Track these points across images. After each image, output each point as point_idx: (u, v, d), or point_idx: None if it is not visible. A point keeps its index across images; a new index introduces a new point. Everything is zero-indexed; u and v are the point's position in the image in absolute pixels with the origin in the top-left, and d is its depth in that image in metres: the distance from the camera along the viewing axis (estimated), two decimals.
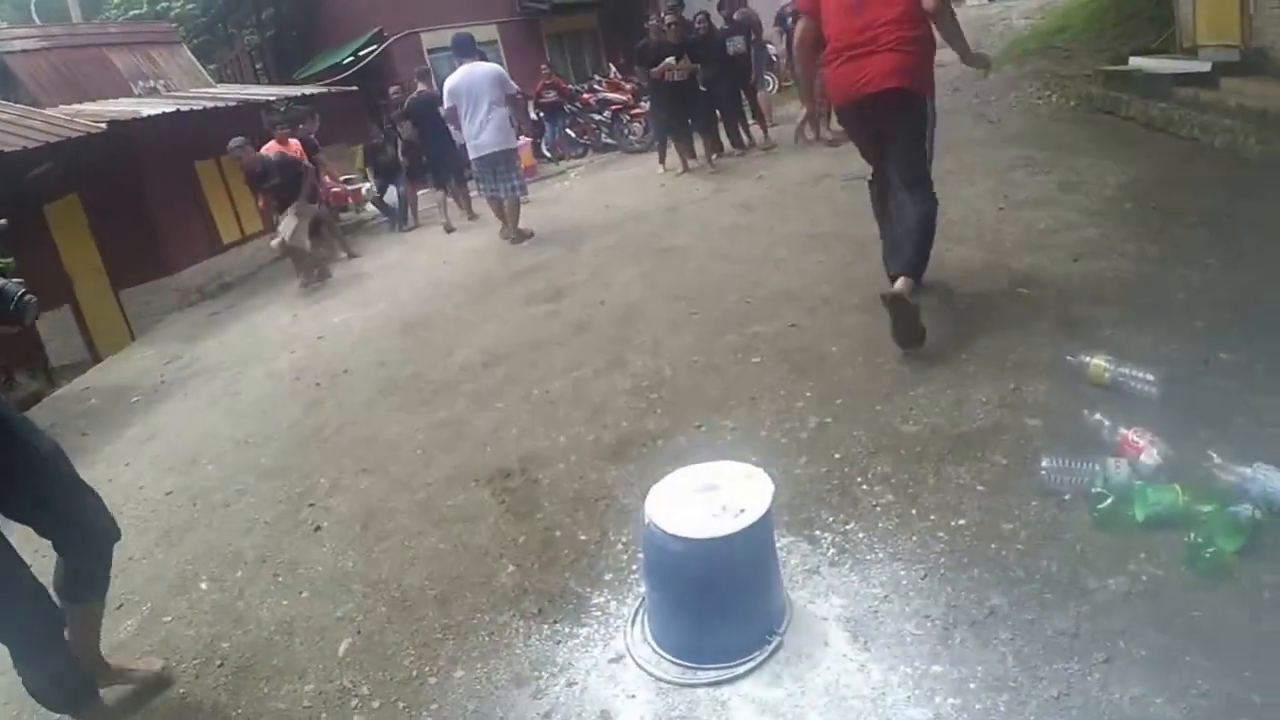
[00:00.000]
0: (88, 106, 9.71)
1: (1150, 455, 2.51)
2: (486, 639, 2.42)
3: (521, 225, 7.85)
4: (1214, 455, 2.47)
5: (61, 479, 2.31)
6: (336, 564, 3.02)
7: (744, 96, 10.06)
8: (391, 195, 10.63)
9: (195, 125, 9.74)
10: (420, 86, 9.69)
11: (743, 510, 2.04)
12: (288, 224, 8.06)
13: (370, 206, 11.60)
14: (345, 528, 3.26)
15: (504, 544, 2.89)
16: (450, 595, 2.67)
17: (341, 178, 11.63)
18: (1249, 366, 3.05)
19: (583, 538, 2.83)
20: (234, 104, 10.75)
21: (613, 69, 16.14)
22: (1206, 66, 7.70)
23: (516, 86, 12.43)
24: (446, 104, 7.56)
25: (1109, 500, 2.36)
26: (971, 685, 1.92)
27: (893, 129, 3.82)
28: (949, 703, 1.89)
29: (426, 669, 2.36)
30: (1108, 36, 11.98)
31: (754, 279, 5.11)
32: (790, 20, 8.98)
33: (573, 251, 7.00)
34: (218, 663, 2.64)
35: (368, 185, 10.93)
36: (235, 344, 6.70)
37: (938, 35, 3.83)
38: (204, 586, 3.11)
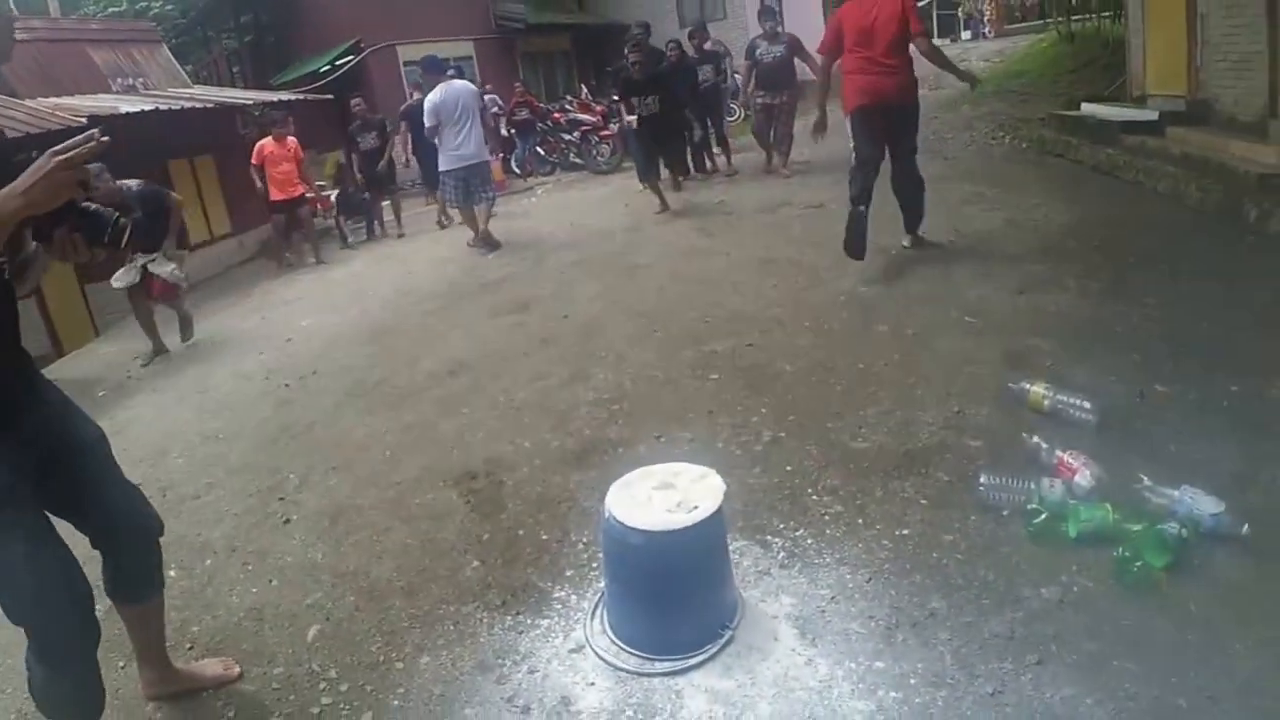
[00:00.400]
0: (66, 100, 9.59)
1: (1084, 477, 2.68)
2: (452, 628, 2.50)
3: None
4: (1144, 478, 2.64)
5: (105, 470, 2.12)
6: (306, 555, 3.06)
7: (710, 124, 10.27)
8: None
9: (171, 125, 9.69)
10: (416, 95, 9.76)
11: (696, 507, 2.16)
12: (139, 271, 6.22)
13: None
14: (314, 521, 3.30)
15: (469, 541, 2.97)
16: (417, 587, 2.74)
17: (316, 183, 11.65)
18: (1181, 399, 3.25)
19: (545, 537, 2.92)
20: (211, 106, 10.71)
21: (584, 90, 16.30)
22: (1154, 115, 8.06)
23: (500, 102, 12.62)
24: (429, 121, 7.71)
25: (1043, 516, 2.51)
26: (912, 681, 2.05)
27: (903, 124, 5.42)
28: (891, 696, 2.01)
29: (394, 655, 2.42)
30: (1063, 82, 12.43)
31: (712, 299, 5.25)
32: (757, 54, 9.27)
33: (538, 266, 7.09)
34: (187, 645, 2.65)
35: (334, 193, 10.92)
36: (202, 343, 6.66)
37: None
38: (173, 573, 3.09)
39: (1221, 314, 4.02)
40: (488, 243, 8.04)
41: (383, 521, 3.20)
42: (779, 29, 9.47)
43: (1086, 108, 9.54)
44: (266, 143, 9.20)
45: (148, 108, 9.25)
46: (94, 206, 1.66)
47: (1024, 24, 27.20)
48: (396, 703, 2.23)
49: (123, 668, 2.54)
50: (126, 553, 2.17)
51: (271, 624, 2.70)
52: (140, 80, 12.05)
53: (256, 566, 3.06)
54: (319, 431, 4.23)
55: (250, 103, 11.37)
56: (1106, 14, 13.40)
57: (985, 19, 31.01)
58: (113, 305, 8.63)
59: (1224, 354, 3.56)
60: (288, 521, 3.35)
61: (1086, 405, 3.14)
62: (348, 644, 2.51)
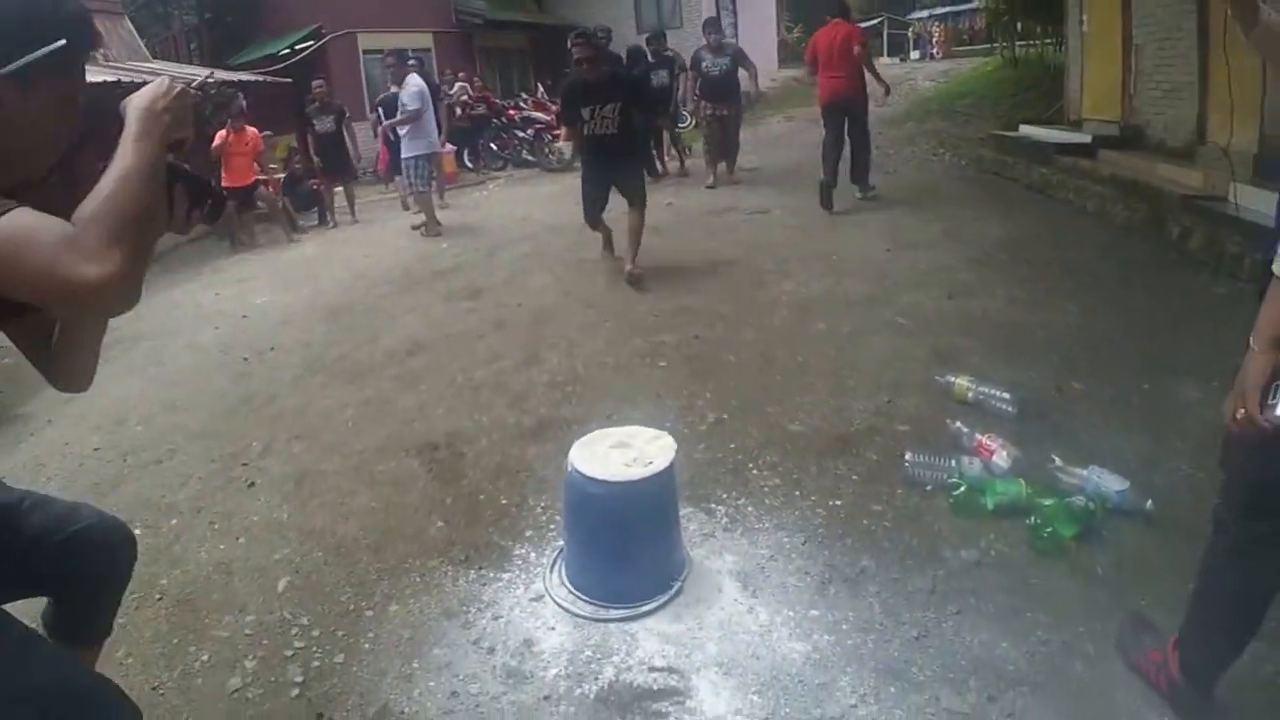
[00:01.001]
0: None
1: (1002, 457, 2.94)
2: (418, 580, 2.64)
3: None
4: (1056, 459, 2.93)
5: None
6: (272, 515, 3.16)
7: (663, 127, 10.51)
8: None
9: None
10: (393, 88, 9.71)
11: (651, 462, 2.37)
12: None
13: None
14: (279, 485, 3.39)
15: (432, 504, 3.11)
16: (383, 544, 2.86)
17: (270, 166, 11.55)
18: (1095, 395, 3.56)
19: (504, 502, 3.08)
20: None
21: (540, 89, 16.39)
22: (1087, 138, 8.51)
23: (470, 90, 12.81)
24: (416, 105, 8.34)
25: (963, 489, 2.77)
26: (844, 626, 2.27)
27: (853, 111, 7.73)
28: (825, 639, 2.23)
29: (363, 604, 2.55)
30: (1004, 105, 12.95)
31: (661, 293, 5.46)
32: (703, 65, 9.43)
33: (491, 257, 7.21)
34: (157, 596, 2.72)
35: (283, 176, 10.83)
36: (154, 317, 6.60)
37: None
38: (138, 532, 3.11)
39: (1139, 322, 4.36)
40: (433, 228, 8.51)
41: (347, 485, 3.32)
42: (724, 40, 9.68)
43: (1024, 129, 10.02)
44: (224, 133, 9.10)
45: (110, 79, 9.08)
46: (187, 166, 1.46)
47: (971, 47, 27.69)
48: (367, 645, 2.36)
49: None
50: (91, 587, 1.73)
51: (241, 577, 2.79)
52: (101, 51, 11.80)
53: (223, 526, 3.14)
54: (280, 403, 4.30)
55: (211, 80, 11.21)
56: (1049, 41, 13.98)
57: (934, 40, 31.82)
58: None
59: (1139, 357, 3.89)
60: (252, 485, 3.42)
61: (1007, 396, 3.42)
62: (318, 594, 2.62)
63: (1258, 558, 1.67)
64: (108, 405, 4.60)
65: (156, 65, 11.62)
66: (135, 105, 1.28)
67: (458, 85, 13.94)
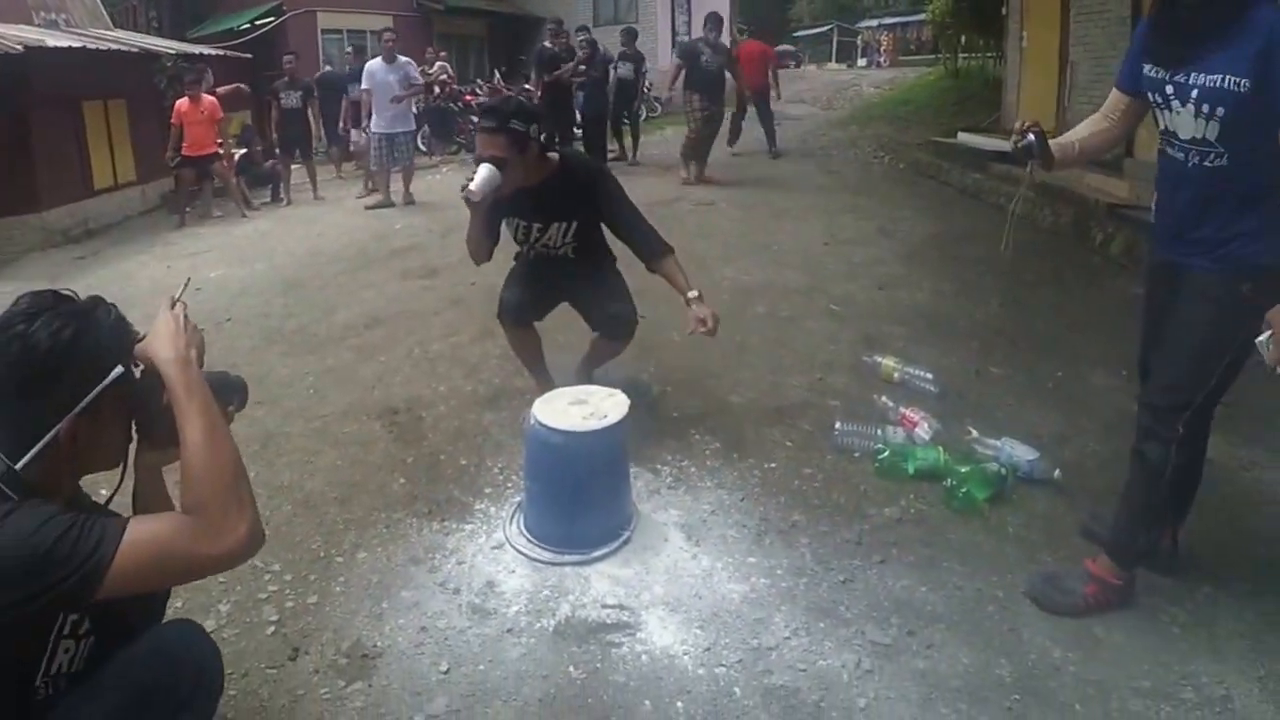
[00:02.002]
0: None
1: (923, 429, 3.20)
2: (385, 530, 2.76)
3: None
4: (973, 431, 3.19)
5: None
6: None
7: (625, 115, 10.78)
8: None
9: (89, 64, 9.36)
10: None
11: (606, 416, 2.55)
12: None
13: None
14: (244, 445, 3.30)
15: (395, 463, 3.22)
16: (350, 498, 2.98)
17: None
18: (1012, 379, 3.85)
19: (463, 462, 3.21)
20: (135, 51, 10.33)
21: (497, 75, 16.41)
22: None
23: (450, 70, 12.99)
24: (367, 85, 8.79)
25: (887, 454, 3.00)
26: (778, 571, 2.48)
27: (761, 103, 10.47)
28: (761, 582, 2.43)
29: (333, 551, 2.66)
30: (945, 113, 13.40)
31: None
32: (702, 60, 9.27)
33: (445, 237, 7.22)
34: None
35: (240, 153, 10.73)
36: (106, 288, 6.44)
37: None
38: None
39: (1057, 316, 4.68)
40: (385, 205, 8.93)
41: (312, 446, 3.41)
42: (720, 40, 9.72)
43: (962, 136, 10.41)
44: (183, 103, 9.04)
45: (75, 45, 8.93)
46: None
47: (917, 56, 28.37)
48: (339, 589, 2.47)
49: None
50: None
51: None
52: (63, 16, 11.48)
53: None
54: (240, 369, 4.30)
55: (172, 52, 11.03)
56: (990, 54, 14.49)
57: (881, 49, 32.47)
58: (9, 244, 8.34)
59: (1054, 347, 4.20)
60: None
61: (929, 377, 3.69)
62: (288, 544, 2.71)
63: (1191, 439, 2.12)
64: None
65: (120, 34, 11.36)
66: (165, 360, 1.35)
67: (437, 65, 13.88)
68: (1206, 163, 2.00)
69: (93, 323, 1.33)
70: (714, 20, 9.70)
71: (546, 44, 10.51)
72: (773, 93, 11.37)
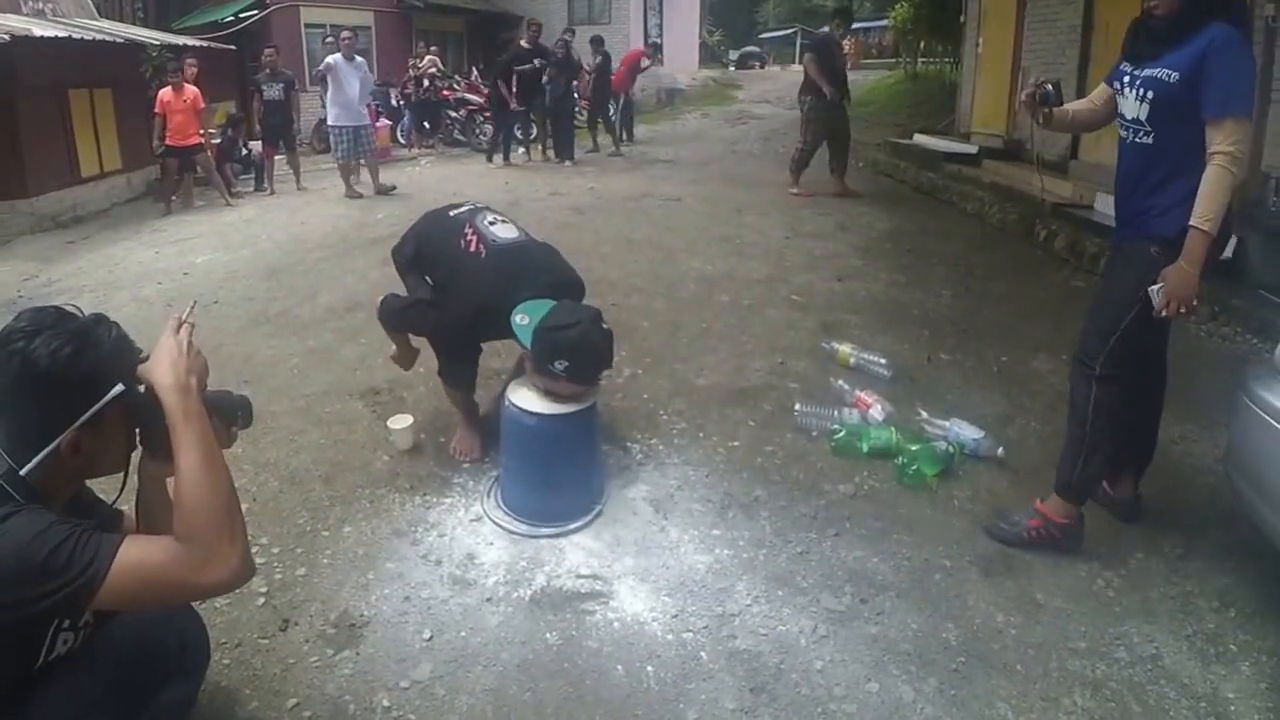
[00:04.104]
0: None
1: (877, 410, 3.26)
2: (369, 506, 2.76)
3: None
4: (923, 413, 3.26)
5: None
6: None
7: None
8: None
9: (76, 54, 9.09)
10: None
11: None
12: None
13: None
14: None
15: (377, 441, 3.21)
16: (334, 475, 2.97)
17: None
18: (960, 365, 3.93)
19: (442, 440, 3.20)
20: (121, 41, 10.07)
21: (474, 72, 16.25)
22: (974, 149, 9.03)
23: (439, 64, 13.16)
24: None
25: (843, 434, 3.06)
26: (740, 543, 2.53)
27: (628, 98, 11.93)
28: (725, 553, 2.48)
29: (319, 526, 2.65)
30: (903, 115, 13.52)
31: (581, 266, 5.40)
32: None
33: None
34: None
35: (217, 142, 10.55)
36: (95, 271, 6.44)
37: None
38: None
39: (1003, 306, 4.77)
40: (351, 192, 8.94)
41: (296, 425, 3.39)
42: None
43: (918, 138, 10.52)
44: (165, 92, 8.86)
45: (61, 34, 8.67)
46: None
47: (878, 60, 28.67)
48: (326, 561, 2.47)
49: None
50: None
51: None
52: (50, 5, 11.18)
53: None
54: (227, 350, 4.29)
55: (157, 43, 10.77)
56: (948, 60, 14.61)
57: (844, 52, 32.48)
58: (0, 228, 8.16)
59: (1000, 335, 4.29)
60: None
61: (883, 362, 3.75)
62: (275, 519, 2.71)
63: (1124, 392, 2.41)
64: None
65: (106, 24, 11.09)
66: (165, 386, 1.33)
67: (427, 59, 13.70)
68: (1138, 139, 2.33)
69: (92, 341, 1.31)
70: (844, 14, 9.61)
71: (523, 42, 10.74)
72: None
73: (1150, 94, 2.25)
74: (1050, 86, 2.56)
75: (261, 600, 2.31)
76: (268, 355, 4.21)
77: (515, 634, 2.16)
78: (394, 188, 9.20)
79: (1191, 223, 2.15)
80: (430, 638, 2.14)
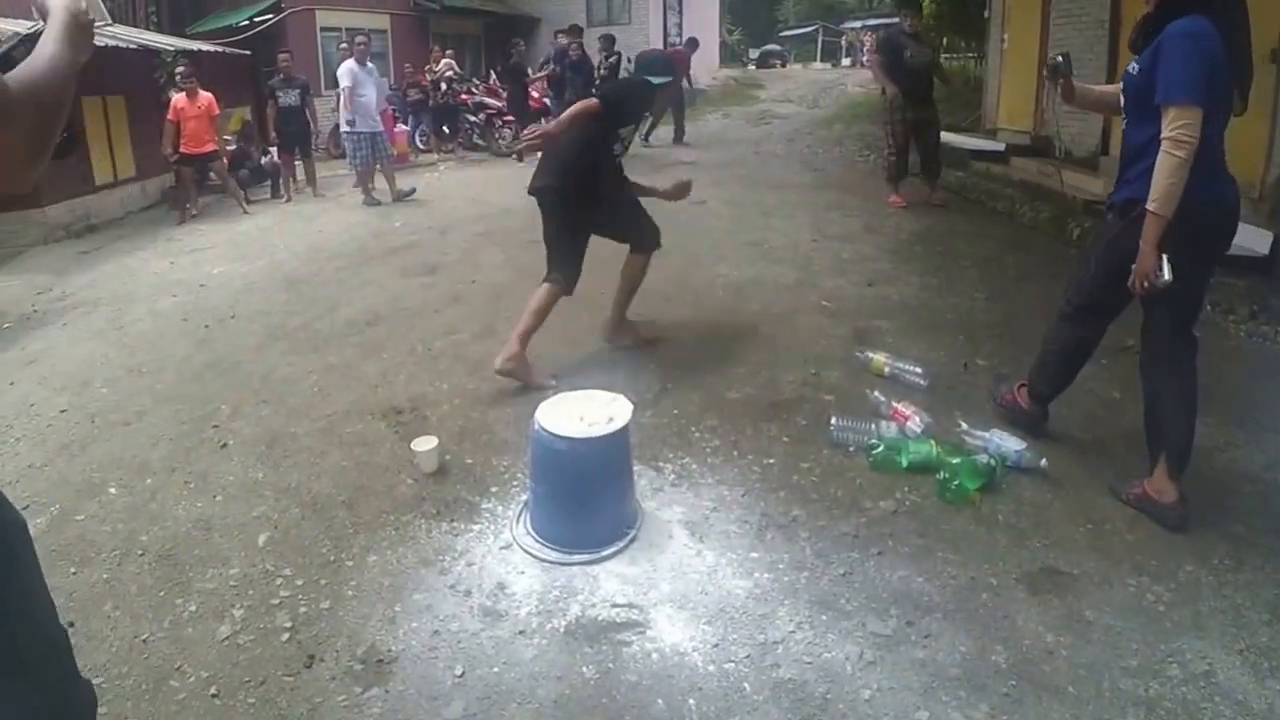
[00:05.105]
0: None
1: (915, 423, 3.17)
2: (394, 533, 2.71)
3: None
4: (963, 424, 3.17)
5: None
6: (246, 474, 3.16)
7: None
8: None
9: (88, 62, 9.07)
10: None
11: (610, 420, 2.51)
12: None
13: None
14: (251, 446, 3.39)
15: (401, 463, 3.16)
16: (357, 500, 2.92)
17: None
18: (997, 370, 3.79)
19: (469, 461, 3.16)
20: (133, 47, 10.08)
21: (492, 75, 16.22)
22: (1001, 146, 8.90)
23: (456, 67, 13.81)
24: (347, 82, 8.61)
25: (881, 449, 2.98)
26: (780, 565, 2.45)
27: None
28: (765, 577, 2.41)
29: (343, 555, 2.60)
30: None
31: (606, 275, 5.51)
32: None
33: (444, 235, 7.18)
34: (139, 553, 2.70)
35: (232, 148, 10.55)
36: (110, 283, 6.45)
37: None
38: (113, 491, 3.13)
39: (1038, 308, 4.60)
40: (370, 199, 8.95)
41: (318, 446, 3.35)
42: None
43: (943, 135, 10.37)
44: (179, 98, 8.86)
45: None
46: None
47: None
48: (351, 593, 2.42)
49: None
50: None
51: (221, 533, 2.79)
52: None
53: (199, 485, 3.13)
54: (245, 368, 4.28)
55: (171, 49, 10.79)
56: (971, 55, 14.43)
57: (865, 49, 32.46)
58: (13, 238, 8.18)
59: (1037, 339, 4.08)
60: (224, 446, 3.42)
61: (919, 370, 3.66)
62: (298, 548, 2.66)
63: (1083, 324, 2.95)
64: (71, 369, 4.52)
65: (119, 30, 11.11)
66: (63, 6, 1.33)
67: (443, 62, 13.68)
68: (1123, 123, 2.68)
69: None
70: (910, 3, 7.70)
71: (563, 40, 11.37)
72: None
73: (1124, 84, 2.60)
74: (1060, 58, 2.84)
75: (286, 635, 2.26)
76: (286, 372, 4.18)
77: (550, 668, 2.10)
78: (413, 190, 9.18)
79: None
80: (462, 674, 2.08)
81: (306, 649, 2.20)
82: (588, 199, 3.78)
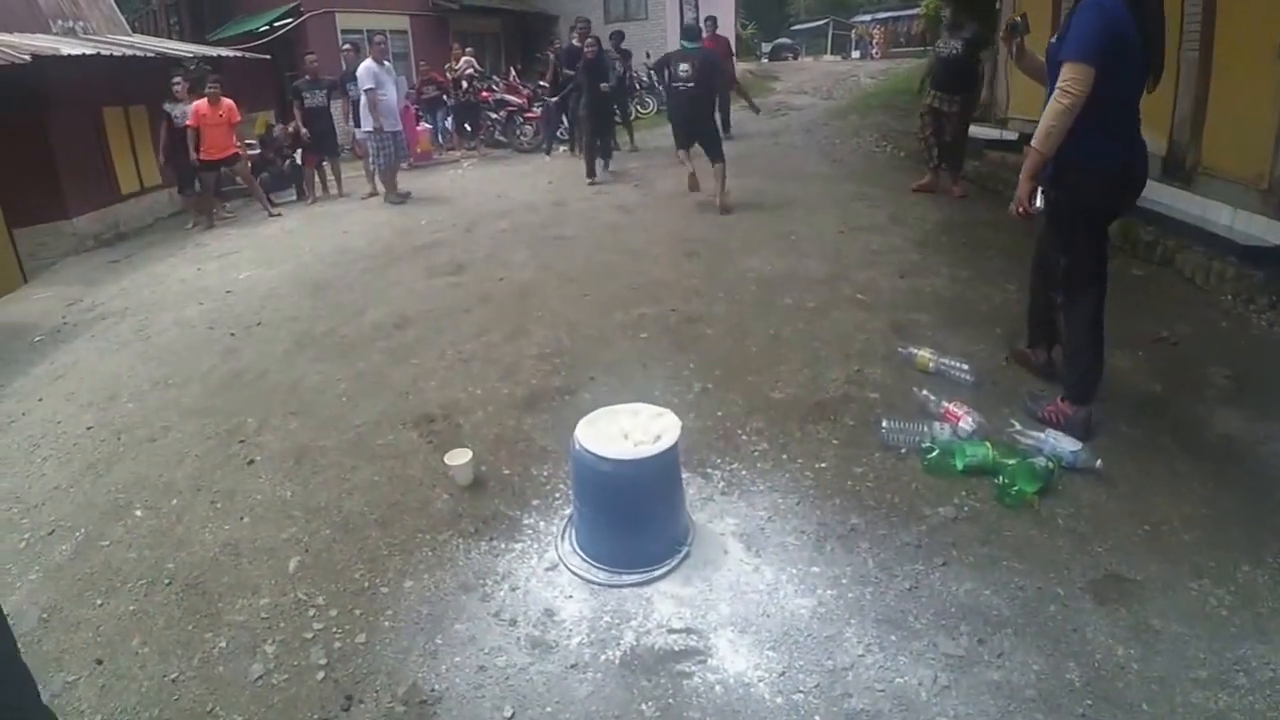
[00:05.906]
0: (5, 37, 8.57)
1: (967, 422, 2.93)
2: (430, 554, 2.50)
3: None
4: (1015, 424, 2.92)
5: None
6: (274, 493, 2.98)
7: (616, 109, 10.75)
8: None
9: (109, 71, 8.89)
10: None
11: (658, 438, 2.27)
12: None
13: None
14: (279, 462, 3.21)
15: (435, 477, 2.95)
16: (390, 519, 2.72)
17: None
18: (1030, 390, 3.55)
19: (507, 472, 2.95)
20: (152, 55, 9.85)
21: (512, 72, 15.95)
22: (1014, 136, 8.56)
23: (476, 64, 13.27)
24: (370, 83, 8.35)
25: (936, 452, 2.75)
26: (843, 581, 2.23)
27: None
28: (828, 594, 2.19)
29: (378, 581, 2.40)
30: None
31: (635, 269, 5.31)
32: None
33: (469, 233, 6.96)
34: (165, 581, 2.54)
35: (254, 152, 10.33)
36: (138, 292, 6.27)
37: None
38: (139, 513, 2.97)
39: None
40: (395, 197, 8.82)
41: (348, 461, 3.15)
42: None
43: None
44: (200, 104, 8.61)
45: (89, 52, 8.43)
46: None
47: (907, 48, 28.51)
48: (388, 624, 2.22)
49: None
50: None
51: (250, 558, 2.61)
52: (80, 24, 10.98)
53: (225, 505, 2.95)
54: (272, 378, 4.09)
55: (190, 55, 10.57)
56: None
57: (874, 42, 32.15)
58: (43, 250, 8.01)
59: None
60: (251, 462, 3.24)
61: (965, 367, 3.41)
62: (330, 573, 2.47)
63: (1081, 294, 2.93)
64: (98, 383, 4.35)
65: (137, 39, 10.91)
66: None
67: (463, 60, 13.41)
68: (1045, 91, 2.78)
69: None
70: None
71: (574, 41, 10.52)
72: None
73: (1048, 55, 2.81)
74: (1019, 18, 3.08)
75: (321, 674, 2.06)
76: (314, 381, 3.98)
77: (607, 706, 1.89)
78: (409, 194, 8.95)
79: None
80: (511, 715, 1.88)
81: (344, 689, 2.00)
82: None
